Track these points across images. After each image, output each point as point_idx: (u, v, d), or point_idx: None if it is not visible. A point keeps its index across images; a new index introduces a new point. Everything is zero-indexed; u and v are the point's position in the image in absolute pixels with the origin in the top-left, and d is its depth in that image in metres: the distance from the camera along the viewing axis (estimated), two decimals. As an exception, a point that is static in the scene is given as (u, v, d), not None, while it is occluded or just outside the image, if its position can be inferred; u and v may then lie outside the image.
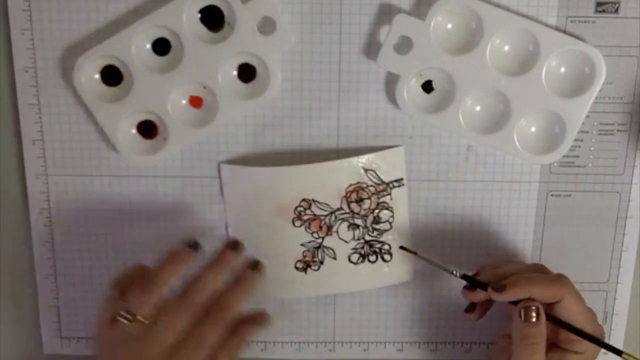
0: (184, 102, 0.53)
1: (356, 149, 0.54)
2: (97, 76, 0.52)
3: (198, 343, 0.47)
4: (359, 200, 0.54)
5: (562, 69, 0.51)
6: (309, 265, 0.55)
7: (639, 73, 0.52)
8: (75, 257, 0.56)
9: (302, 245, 0.55)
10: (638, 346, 0.57)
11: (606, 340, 0.50)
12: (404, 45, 0.51)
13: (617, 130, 0.53)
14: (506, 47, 0.51)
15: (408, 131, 0.54)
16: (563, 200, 0.55)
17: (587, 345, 0.49)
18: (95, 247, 0.56)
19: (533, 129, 0.53)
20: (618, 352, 0.48)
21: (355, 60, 0.52)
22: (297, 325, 0.57)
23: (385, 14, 0.51)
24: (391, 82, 0.52)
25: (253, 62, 0.52)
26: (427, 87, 0.53)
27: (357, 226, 0.55)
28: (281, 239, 0.54)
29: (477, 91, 0.51)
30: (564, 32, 0.51)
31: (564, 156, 0.53)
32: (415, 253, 0.54)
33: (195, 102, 0.53)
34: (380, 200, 0.54)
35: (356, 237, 0.55)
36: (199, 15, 0.51)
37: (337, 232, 0.55)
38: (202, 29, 0.51)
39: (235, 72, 0.52)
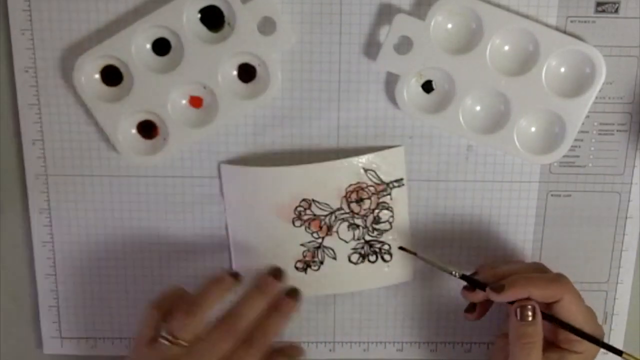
0: (184, 102, 0.53)
1: (356, 149, 0.54)
2: (97, 76, 0.52)
3: None
4: (359, 200, 0.54)
5: (562, 69, 0.51)
6: (309, 265, 0.55)
7: (639, 73, 0.52)
8: (75, 257, 0.56)
9: (302, 245, 0.55)
10: (638, 346, 0.57)
11: (606, 340, 0.50)
12: (404, 45, 0.51)
13: (617, 130, 0.53)
14: (506, 47, 0.51)
15: (408, 131, 0.54)
16: (563, 200, 0.55)
17: (586, 345, 0.49)
18: (95, 247, 0.56)
19: (533, 129, 0.53)
20: (618, 352, 0.48)
21: (355, 60, 0.52)
22: (297, 325, 0.57)
23: (385, 14, 0.51)
24: (391, 82, 0.52)
25: (253, 62, 0.52)
26: (427, 87, 0.53)
27: (357, 226, 0.55)
28: (281, 239, 0.54)
29: (477, 91, 0.51)
30: (564, 32, 0.51)
31: (564, 156, 0.53)
32: (414, 254, 0.54)
33: (195, 102, 0.53)
34: (380, 200, 0.54)
35: (356, 237, 0.55)
36: (199, 15, 0.51)
37: (337, 232, 0.55)
38: (202, 29, 0.51)
39: (235, 72, 0.52)
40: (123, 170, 0.55)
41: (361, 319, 0.57)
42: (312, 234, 0.54)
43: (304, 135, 0.54)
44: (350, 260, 0.55)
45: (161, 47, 0.52)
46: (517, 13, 0.51)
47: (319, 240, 0.55)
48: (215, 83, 0.51)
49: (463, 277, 0.51)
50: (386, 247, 0.55)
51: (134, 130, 0.53)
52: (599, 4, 0.51)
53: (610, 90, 0.52)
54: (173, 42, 0.52)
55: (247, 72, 0.52)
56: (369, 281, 0.56)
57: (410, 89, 0.52)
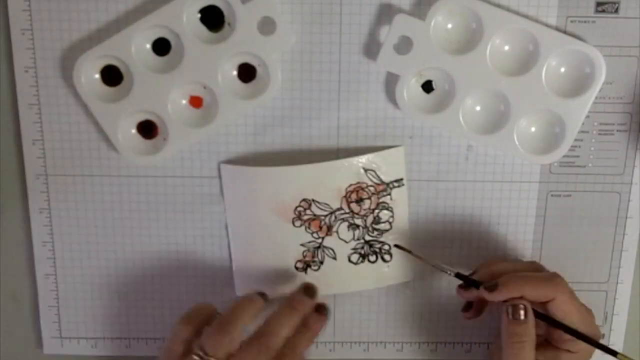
0: (184, 102, 0.53)
1: (356, 149, 0.54)
2: (97, 76, 0.52)
3: None
4: (359, 200, 0.54)
5: (562, 69, 0.51)
6: (309, 265, 0.55)
7: (639, 73, 0.52)
8: (75, 257, 0.56)
9: (302, 245, 0.55)
10: (638, 346, 0.57)
11: (606, 340, 0.50)
12: (404, 45, 0.51)
13: (617, 130, 0.53)
14: (506, 47, 0.51)
15: (408, 131, 0.54)
16: (563, 200, 0.55)
17: (581, 345, 0.48)
18: (95, 247, 0.56)
19: (533, 129, 0.53)
20: (612, 353, 0.48)
21: (355, 60, 0.52)
22: (297, 325, 0.57)
23: (385, 14, 0.51)
24: (391, 82, 0.52)
25: (253, 62, 0.52)
26: (427, 87, 0.53)
27: (357, 226, 0.55)
28: (281, 239, 0.54)
29: (477, 91, 0.51)
30: (564, 32, 0.51)
31: (564, 156, 0.53)
32: (409, 251, 0.54)
33: (195, 102, 0.53)
34: (380, 200, 0.54)
35: (356, 237, 0.55)
36: (199, 15, 0.51)
37: (337, 232, 0.55)
38: (202, 29, 0.51)
39: (235, 72, 0.52)
40: (123, 170, 0.55)
41: (361, 319, 0.57)
42: (312, 234, 0.54)
43: (304, 135, 0.54)
44: (350, 261, 0.55)
45: (161, 47, 0.52)
46: (517, 13, 0.51)
47: (319, 240, 0.55)
48: (215, 83, 0.51)
49: (458, 275, 0.51)
50: (386, 247, 0.55)
51: (134, 130, 0.53)
52: (599, 4, 0.51)
53: (610, 90, 0.52)
54: (173, 42, 0.52)
55: (247, 72, 0.52)
56: (369, 281, 0.56)
57: (410, 89, 0.52)
